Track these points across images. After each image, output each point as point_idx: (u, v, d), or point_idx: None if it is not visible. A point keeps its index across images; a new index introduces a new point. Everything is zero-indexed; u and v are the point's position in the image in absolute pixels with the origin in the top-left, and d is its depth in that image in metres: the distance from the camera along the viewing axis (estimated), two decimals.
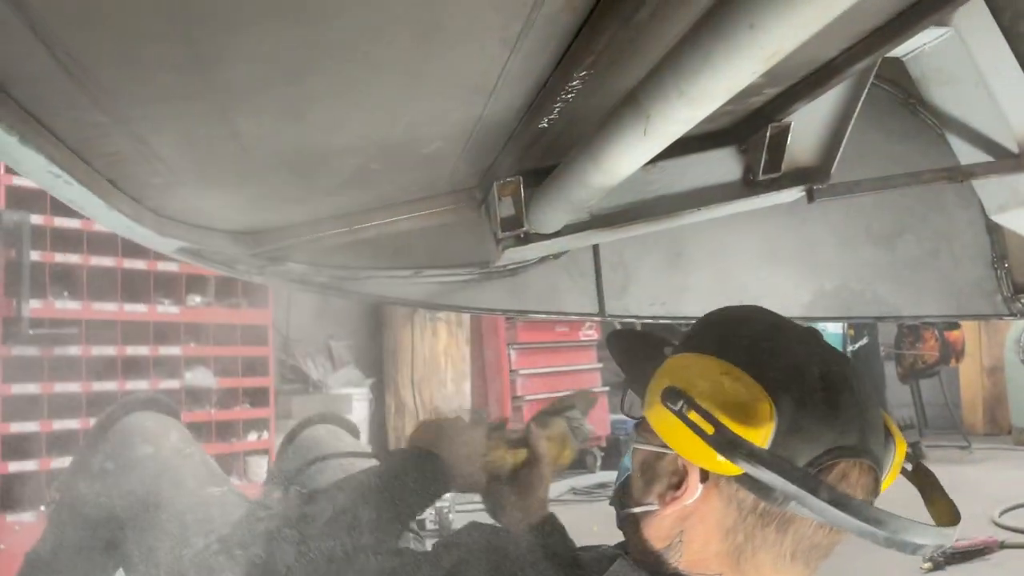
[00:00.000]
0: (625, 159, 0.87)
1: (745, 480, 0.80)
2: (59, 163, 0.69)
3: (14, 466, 3.15)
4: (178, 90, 0.67)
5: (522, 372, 4.96)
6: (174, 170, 0.86)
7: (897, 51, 1.59)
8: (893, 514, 0.77)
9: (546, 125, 0.98)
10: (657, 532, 0.90)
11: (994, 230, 1.98)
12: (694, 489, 0.84)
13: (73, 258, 3.41)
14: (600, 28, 0.73)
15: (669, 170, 1.36)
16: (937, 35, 1.50)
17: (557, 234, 1.31)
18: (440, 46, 0.71)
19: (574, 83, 0.84)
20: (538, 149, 1.18)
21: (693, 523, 0.86)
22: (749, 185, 1.38)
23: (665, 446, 0.86)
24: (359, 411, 4.42)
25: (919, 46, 1.55)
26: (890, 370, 5.52)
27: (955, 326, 5.54)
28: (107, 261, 3.51)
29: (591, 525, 3.51)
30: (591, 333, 5.61)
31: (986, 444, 5.89)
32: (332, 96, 0.77)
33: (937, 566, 2.37)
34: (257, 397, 4.00)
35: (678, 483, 0.86)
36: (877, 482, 0.88)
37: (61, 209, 3.40)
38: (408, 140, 0.98)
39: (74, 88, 0.62)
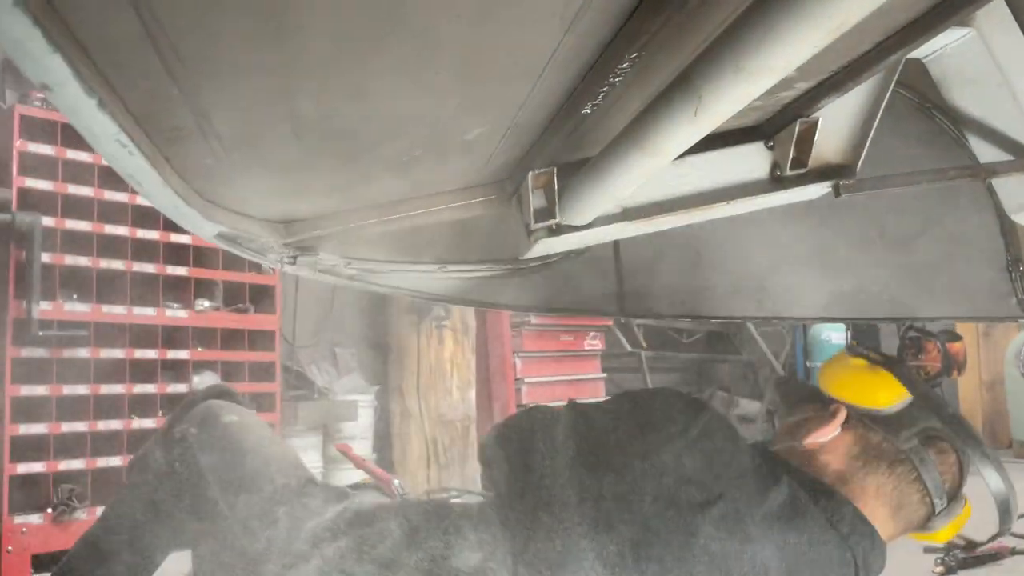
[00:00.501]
0: (672, 142, 0.89)
1: (880, 420, 1.35)
2: (128, 133, 0.70)
3: (22, 468, 3.14)
4: (251, 65, 0.68)
5: (528, 380, 4.96)
6: (228, 149, 0.87)
7: (918, 52, 1.61)
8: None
9: (588, 111, 1.00)
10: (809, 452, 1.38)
11: (1008, 233, 2.00)
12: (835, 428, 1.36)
13: (83, 260, 3.42)
14: (656, 7, 0.75)
15: (698, 165, 1.38)
16: (959, 36, 1.52)
17: (588, 226, 1.32)
18: (501, 23, 0.72)
19: (623, 65, 0.85)
20: (574, 140, 1.20)
21: (827, 449, 1.36)
22: (776, 181, 1.39)
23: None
24: (364, 418, 4.42)
25: (940, 47, 1.57)
26: None
27: (957, 337, 5.55)
28: (117, 264, 3.52)
29: None
30: (595, 343, 5.62)
31: None
32: (392, 74, 0.78)
33: (949, 570, 2.37)
34: (263, 402, 4.00)
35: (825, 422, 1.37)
36: (962, 474, 1.39)
37: (72, 211, 3.41)
38: (453, 125, 0.99)
39: (153, 56, 0.63)
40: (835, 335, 5.15)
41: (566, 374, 5.32)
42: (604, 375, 5.68)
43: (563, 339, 5.37)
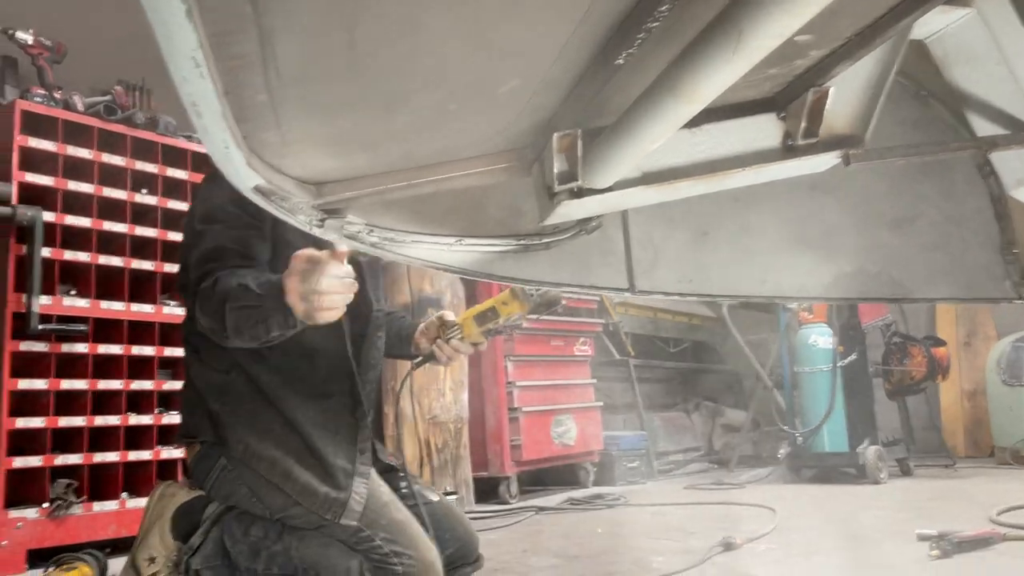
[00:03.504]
0: (709, 84, 0.93)
1: None
2: (204, 50, 0.73)
3: (19, 461, 3.12)
4: None
5: (518, 384, 4.99)
6: (283, 84, 0.90)
7: (919, 33, 1.68)
8: None
9: (622, 61, 1.04)
10: None
11: (1002, 217, 2.06)
12: None
13: (82, 256, 3.42)
14: None
15: (713, 134, 1.43)
16: (959, 16, 1.59)
17: (609, 190, 1.36)
18: None
19: (663, 8, 0.90)
20: (598, 103, 1.24)
21: None
22: (788, 150, 1.44)
23: None
24: None
25: (942, 27, 1.64)
26: (877, 387, 5.60)
27: (941, 342, 5.64)
28: (115, 261, 3.52)
29: (595, 528, 3.54)
30: (585, 349, 5.65)
31: (970, 464, 5.98)
32: (446, 7, 0.82)
33: (945, 554, 2.41)
34: None
35: None
36: None
37: (72, 207, 3.42)
38: (491, 73, 1.03)
39: None
40: (822, 340, 5.21)
41: (556, 379, 5.35)
42: (594, 380, 5.71)
43: (553, 344, 5.41)
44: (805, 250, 1.97)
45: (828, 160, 1.46)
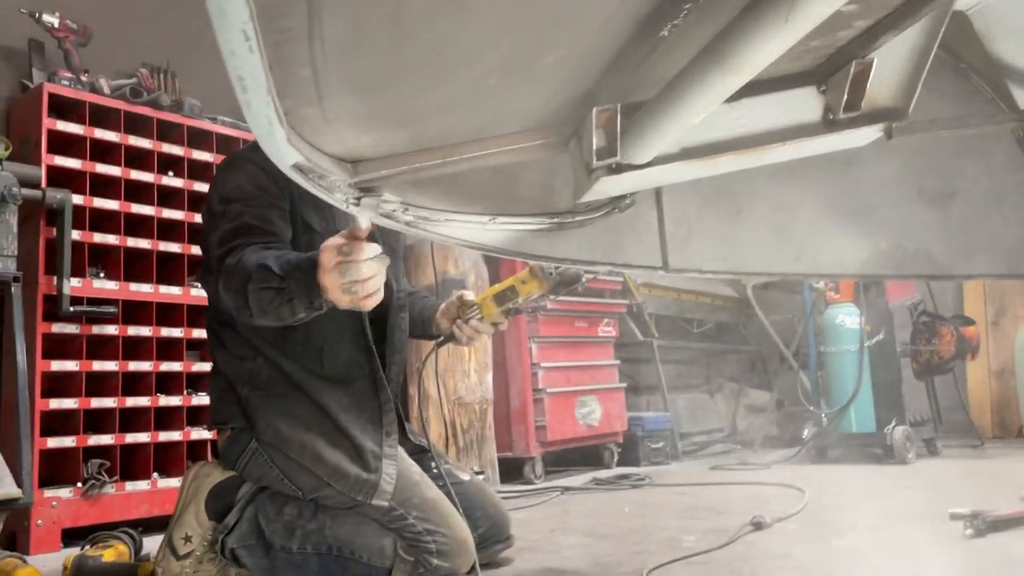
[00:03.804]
0: (757, 55, 0.91)
1: None
2: (254, 23, 0.72)
3: (52, 442, 3.16)
4: None
5: (543, 365, 4.98)
6: (327, 58, 0.89)
7: (961, 4, 1.64)
8: None
9: (666, 33, 1.02)
10: None
11: None
12: None
13: (111, 239, 3.45)
14: None
15: (752, 108, 1.40)
16: None
17: (648, 165, 1.34)
18: None
19: None
20: (637, 78, 1.22)
21: None
22: (829, 124, 1.42)
23: None
24: None
25: None
26: (904, 366, 5.55)
27: (970, 321, 5.57)
28: (143, 243, 3.54)
29: (621, 508, 3.54)
30: (609, 330, 5.64)
31: (997, 445, 5.93)
32: None
33: (979, 533, 2.39)
34: None
35: None
36: None
37: (100, 190, 3.44)
38: (533, 45, 1.01)
39: None
40: (849, 320, 5.16)
41: (580, 360, 5.34)
42: (617, 362, 5.70)
43: (577, 325, 5.39)
44: (841, 226, 1.95)
45: (870, 134, 1.43)
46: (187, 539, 2.12)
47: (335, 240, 1.65)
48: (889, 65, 1.38)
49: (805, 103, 1.42)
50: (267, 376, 2.20)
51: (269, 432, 2.14)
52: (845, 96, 1.38)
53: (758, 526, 2.71)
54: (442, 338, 2.33)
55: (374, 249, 1.66)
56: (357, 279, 1.62)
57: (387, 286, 2.15)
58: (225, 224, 2.04)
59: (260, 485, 2.18)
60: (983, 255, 2.01)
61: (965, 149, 1.97)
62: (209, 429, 3.57)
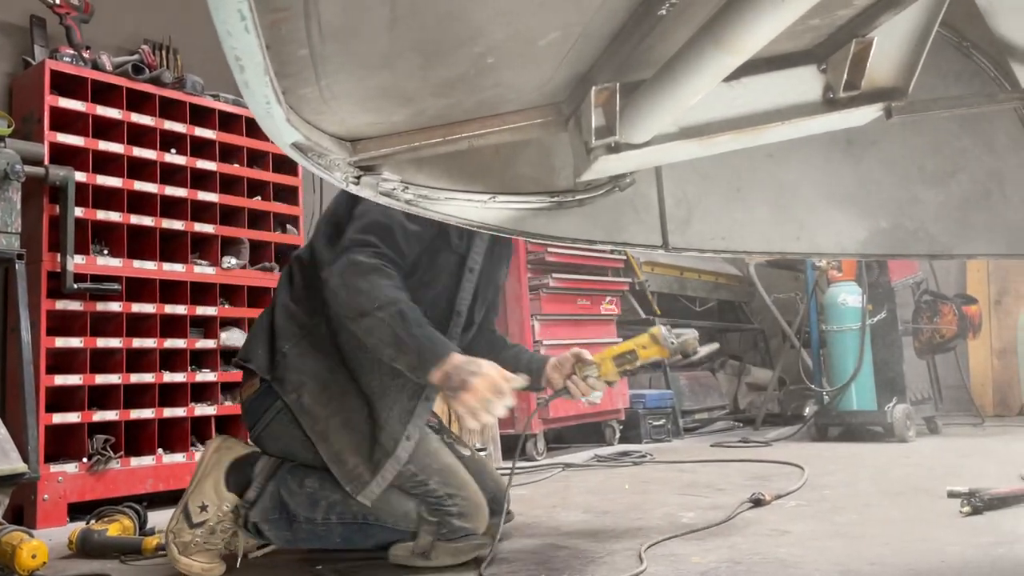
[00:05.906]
0: (755, 33, 0.91)
1: None
2: (250, 3, 0.73)
3: (57, 418, 3.19)
4: None
5: (545, 343, 4.99)
6: (324, 38, 0.90)
7: None
8: None
9: (664, 12, 1.02)
10: None
11: None
12: None
13: (114, 216, 3.45)
14: None
15: (751, 87, 1.40)
16: None
17: (647, 144, 1.35)
18: None
19: None
20: (635, 58, 1.22)
21: None
22: (829, 103, 1.42)
23: None
24: None
25: None
26: (906, 345, 5.55)
27: (972, 300, 5.57)
28: (146, 220, 3.55)
29: (622, 484, 3.57)
30: (611, 308, 5.65)
31: (998, 424, 5.94)
32: None
33: (976, 511, 2.41)
34: None
35: None
36: None
37: (103, 167, 3.44)
38: (532, 25, 1.01)
39: None
40: (851, 298, 5.16)
41: (583, 338, 5.35)
42: (620, 340, 5.71)
43: (580, 303, 5.40)
44: (841, 206, 1.95)
45: (870, 113, 1.43)
46: (203, 508, 2.15)
47: (498, 381, 1.93)
48: (889, 43, 1.38)
49: (805, 82, 1.42)
50: (317, 336, 2.24)
51: (292, 396, 2.17)
52: (845, 75, 1.38)
53: (757, 503, 2.73)
54: (553, 392, 2.37)
55: (512, 402, 1.93)
56: (488, 411, 1.91)
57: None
58: (368, 218, 2.17)
59: (277, 447, 2.21)
60: (984, 235, 2.01)
61: (966, 128, 1.97)
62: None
